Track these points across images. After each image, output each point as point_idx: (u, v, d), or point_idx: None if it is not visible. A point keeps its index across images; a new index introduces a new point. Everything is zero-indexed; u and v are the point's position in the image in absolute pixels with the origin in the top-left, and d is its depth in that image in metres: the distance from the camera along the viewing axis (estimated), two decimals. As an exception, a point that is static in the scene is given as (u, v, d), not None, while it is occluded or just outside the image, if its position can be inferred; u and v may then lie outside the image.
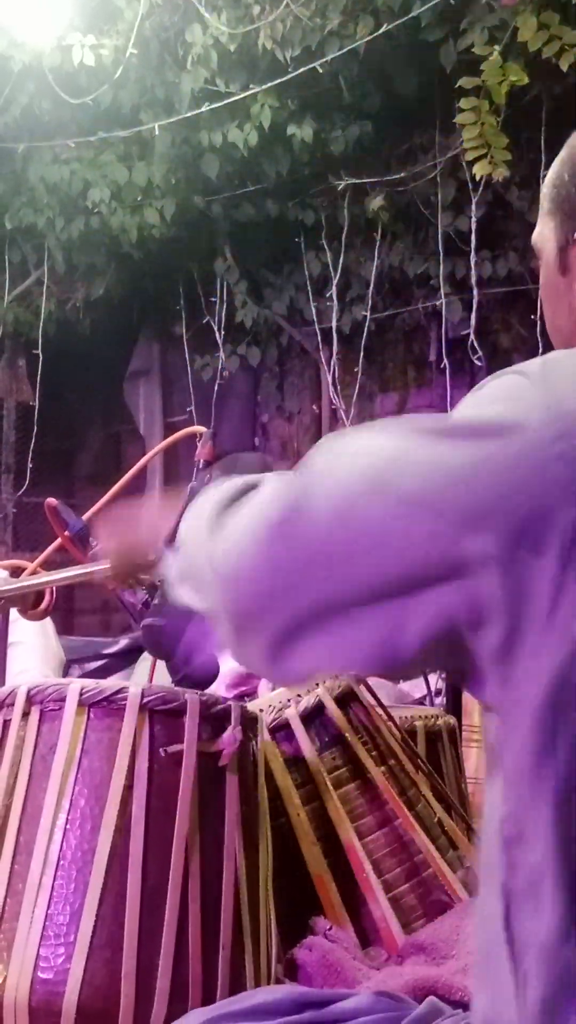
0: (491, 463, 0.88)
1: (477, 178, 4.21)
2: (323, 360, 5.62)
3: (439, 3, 4.00)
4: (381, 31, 4.12)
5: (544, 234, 1.12)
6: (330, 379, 5.54)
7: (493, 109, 3.93)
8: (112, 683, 1.42)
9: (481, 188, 4.60)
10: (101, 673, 3.83)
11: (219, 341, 5.79)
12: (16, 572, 1.99)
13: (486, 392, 0.93)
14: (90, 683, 1.43)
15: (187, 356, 5.99)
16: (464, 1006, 1.13)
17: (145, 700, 1.41)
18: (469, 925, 1.55)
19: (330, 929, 1.58)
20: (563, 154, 1.12)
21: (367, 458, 0.93)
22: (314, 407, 6.10)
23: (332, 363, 5.51)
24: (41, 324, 5.83)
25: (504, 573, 0.87)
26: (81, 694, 1.41)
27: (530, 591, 0.86)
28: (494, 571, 0.87)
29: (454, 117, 4.09)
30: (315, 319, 5.54)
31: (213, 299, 5.76)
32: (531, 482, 0.87)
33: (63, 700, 1.41)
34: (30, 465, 5.98)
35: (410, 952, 1.59)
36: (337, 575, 0.91)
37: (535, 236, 1.14)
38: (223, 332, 5.77)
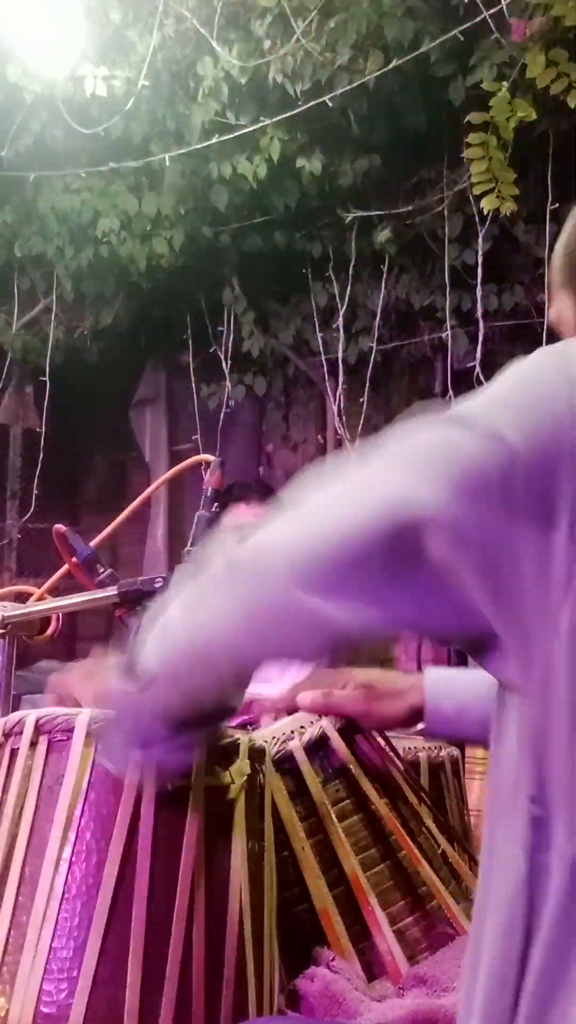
0: (503, 440, 0.90)
1: (484, 212, 4.24)
2: (329, 391, 5.63)
3: (448, 39, 4.04)
4: (390, 66, 4.15)
5: (561, 310, 1.09)
6: (335, 409, 5.55)
7: (501, 144, 3.96)
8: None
9: (488, 222, 4.62)
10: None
11: (225, 370, 5.81)
12: (22, 598, 1.99)
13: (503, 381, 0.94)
14: (99, 714, 1.43)
15: (193, 385, 6.00)
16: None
17: (153, 732, 1.40)
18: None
19: (333, 960, 1.57)
20: (569, 225, 1.09)
21: (399, 443, 1.01)
22: (319, 437, 6.10)
23: (338, 394, 5.52)
24: (49, 352, 5.85)
25: (513, 547, 0.87)
26: (90, 725, 1.41)
27: (545, 563, 0.87)
28: (506, 546, 0.87)
29: (462, 152, 4.13)
30: (321, 350, 5.55)
31: (220, 329, 5.78)
32: (545, 449, 0.87)
33: (71, 731, 1.41)
34: (35, 491, 5.99)
35: (411, 984, 1.58)
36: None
37: (552, 316, 1.11)
38: (229, 362, 5.79)
